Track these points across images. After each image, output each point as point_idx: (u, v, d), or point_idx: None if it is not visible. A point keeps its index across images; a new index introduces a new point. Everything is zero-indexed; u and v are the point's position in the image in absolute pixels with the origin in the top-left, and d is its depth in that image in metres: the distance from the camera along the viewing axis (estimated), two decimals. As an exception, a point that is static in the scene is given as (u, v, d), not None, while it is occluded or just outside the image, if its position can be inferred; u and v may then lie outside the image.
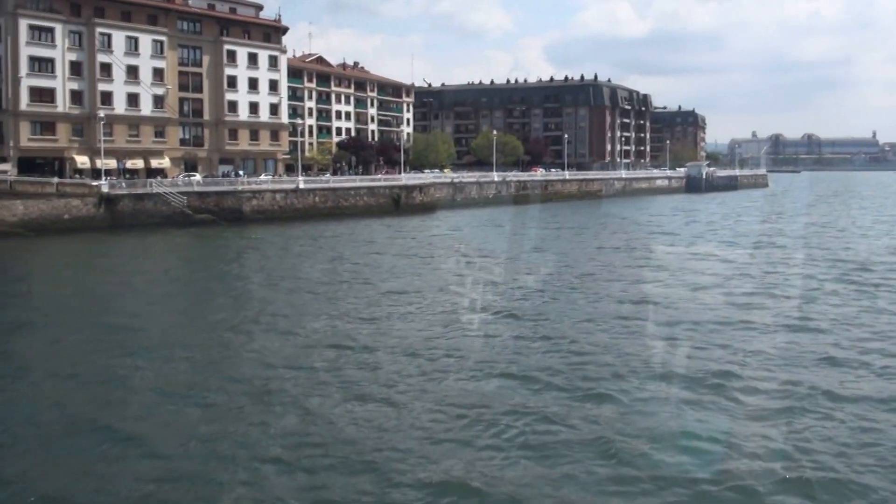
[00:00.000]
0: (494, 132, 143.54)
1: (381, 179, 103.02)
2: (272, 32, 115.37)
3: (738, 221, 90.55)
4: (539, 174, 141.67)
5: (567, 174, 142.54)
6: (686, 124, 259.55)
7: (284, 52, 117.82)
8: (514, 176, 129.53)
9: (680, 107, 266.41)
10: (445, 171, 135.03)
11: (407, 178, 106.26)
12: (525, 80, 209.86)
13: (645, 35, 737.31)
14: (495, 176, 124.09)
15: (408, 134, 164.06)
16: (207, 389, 23.34)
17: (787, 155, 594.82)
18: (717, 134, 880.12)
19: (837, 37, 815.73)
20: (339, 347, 28.09)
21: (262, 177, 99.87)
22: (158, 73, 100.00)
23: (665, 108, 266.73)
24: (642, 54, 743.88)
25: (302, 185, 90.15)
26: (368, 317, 33.59)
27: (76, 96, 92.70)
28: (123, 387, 23.99)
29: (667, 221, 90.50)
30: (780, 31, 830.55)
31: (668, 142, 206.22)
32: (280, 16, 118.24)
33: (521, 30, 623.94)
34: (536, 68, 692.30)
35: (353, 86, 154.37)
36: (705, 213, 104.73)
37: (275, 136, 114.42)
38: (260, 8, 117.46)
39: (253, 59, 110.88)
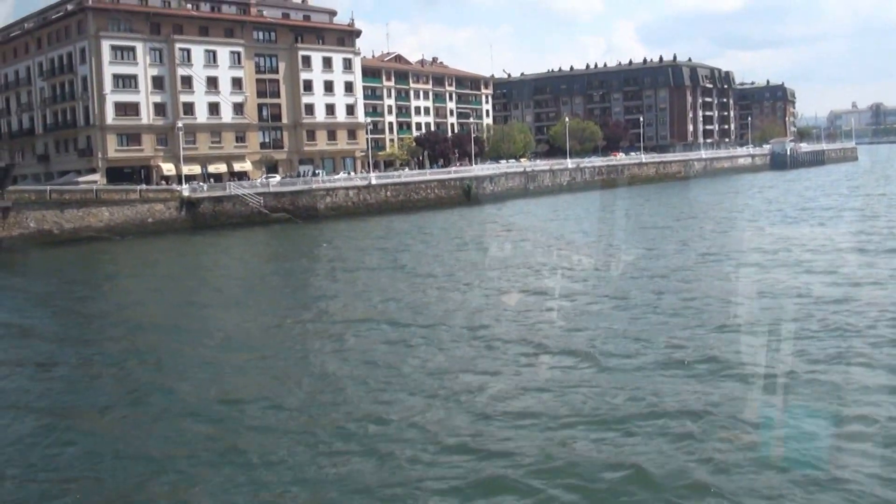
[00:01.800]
0: (567, 119, 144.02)
1: (451, 172, 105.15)
2: (345, 36, 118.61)
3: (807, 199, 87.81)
4: (618, 158, 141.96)
5: (644, 157, 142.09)
6: (774, 99, 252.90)
7: (358, 54, 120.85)
8: (589, 162, 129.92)
9: (768, 81, 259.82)
10: (521, 160, 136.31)
11: (478, 170, 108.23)
12: (605, 65, 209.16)
13: (739, 8, 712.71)
14: (569, 163, 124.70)
15: (487, 125, 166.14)
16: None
17: (888, 125, 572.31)
18: (816, 106, 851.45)
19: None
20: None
21: (341, 174, 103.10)
22: (237, 82, 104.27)
23: (753, 83, 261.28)
24: (738, 28, 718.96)
25: (374, 181, 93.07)
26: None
27: (159, 108, 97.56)
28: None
29: (744, 201, 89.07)
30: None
31: (749, 119, 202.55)
32: (353, 20, 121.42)
33: (613, 12, 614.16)
34: (629, 50, 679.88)
35: (431, 81, 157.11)
36: (777, 192, 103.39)
37: (352, 135, 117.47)
38: (333, 13, 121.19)
39: (327, 62, 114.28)
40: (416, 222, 77.64)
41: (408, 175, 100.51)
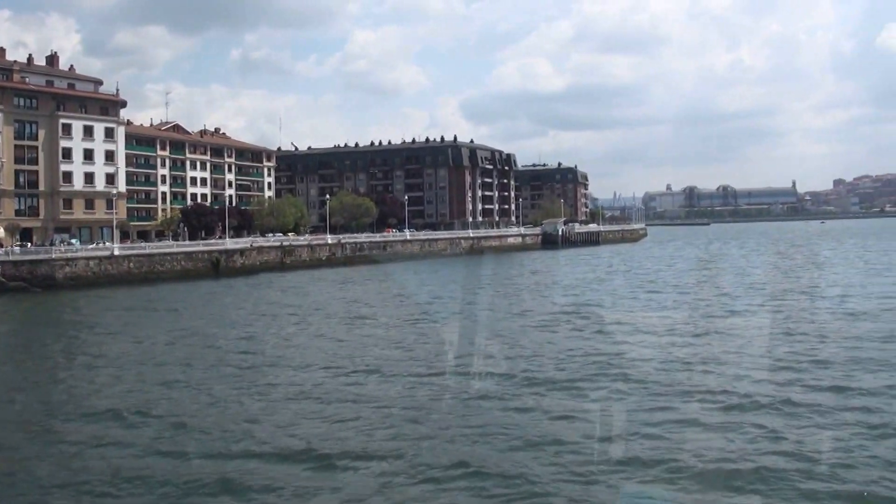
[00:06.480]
0: (329, 196, 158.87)
1: (199, 244, 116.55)
2: (109, 106, 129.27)
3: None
4: (389, 234, 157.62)
5: (408, 234, 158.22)
6: (565, 181, 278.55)
7: (122, 123, 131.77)
8: (350, 238, 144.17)
9: (560, 164, 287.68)
10: (290, 234, 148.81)
11: (230, 243, 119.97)
12: (390, 142, 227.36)
13: (563, 90, 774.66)
14: (329, 238, 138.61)
15: (268, 198, 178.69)
16: None
17: (702, 207, 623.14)
18: (634, 187, 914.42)
19: (761, 87, 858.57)
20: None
21: (94, 244, 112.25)
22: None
23: (545, 165, 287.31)
24: (561, 109, 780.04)
25: (117, 252, 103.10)
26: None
27: None
28: None
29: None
30: (702, 82, 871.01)
31: (520, 200, 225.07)
32: (118, 90, 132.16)
33: (438, 88, 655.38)
34: (453, 125, 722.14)
35: (209, 152, 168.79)
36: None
37: (110, 204, 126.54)
38: (99, 83, 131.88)
39: (89, 131, 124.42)
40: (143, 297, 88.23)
41: (154, 247, 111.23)
